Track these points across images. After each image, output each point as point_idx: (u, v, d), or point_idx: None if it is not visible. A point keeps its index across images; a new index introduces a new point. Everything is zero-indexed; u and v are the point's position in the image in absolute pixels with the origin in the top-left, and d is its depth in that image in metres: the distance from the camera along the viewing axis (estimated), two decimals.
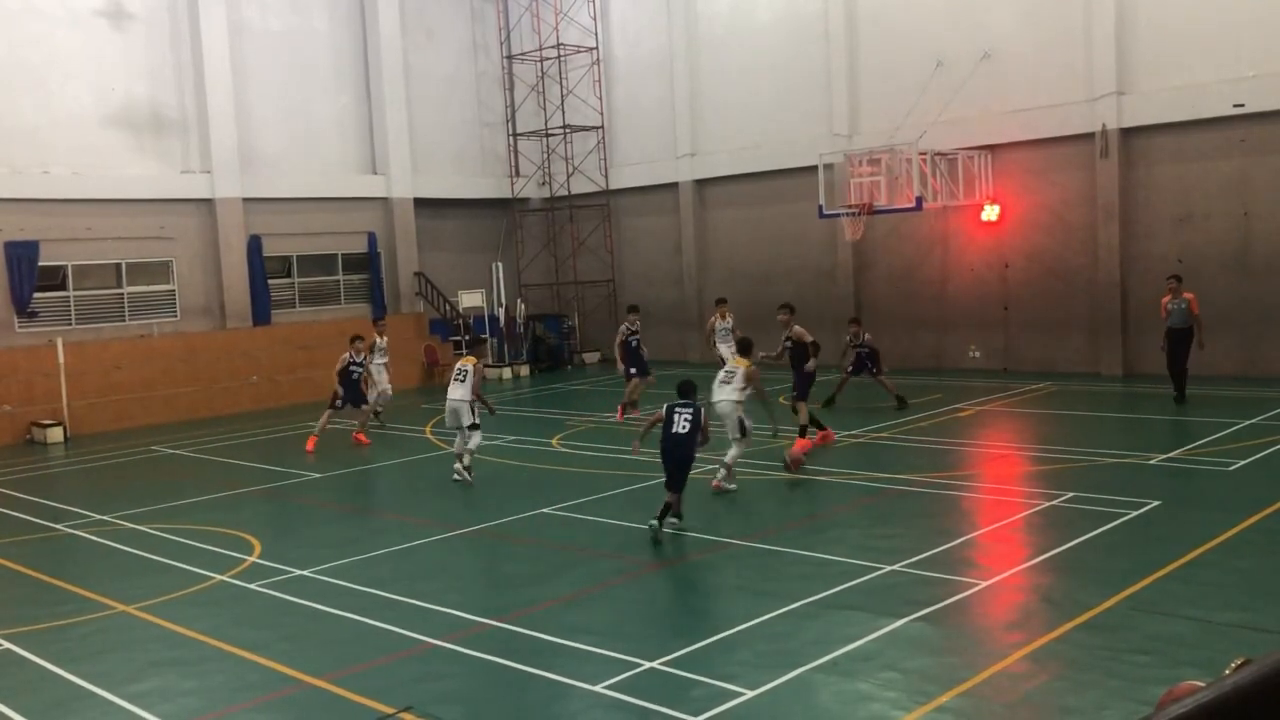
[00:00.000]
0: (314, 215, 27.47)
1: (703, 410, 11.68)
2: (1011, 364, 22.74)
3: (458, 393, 15.00)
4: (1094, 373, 21.65)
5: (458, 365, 15.47)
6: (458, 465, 14.87)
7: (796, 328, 15.98)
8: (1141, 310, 21.29)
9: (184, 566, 11.25)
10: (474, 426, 14.92)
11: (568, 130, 30.26)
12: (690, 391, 12.00)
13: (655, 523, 11.19)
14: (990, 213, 22.74)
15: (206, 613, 9.68)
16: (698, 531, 11.49)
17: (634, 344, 19.97)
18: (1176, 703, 1.64)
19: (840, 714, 6.92)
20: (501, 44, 31.17)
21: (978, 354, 23.06)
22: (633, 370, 19.89)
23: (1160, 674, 7.07)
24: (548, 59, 30.39)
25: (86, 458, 19.38)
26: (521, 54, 30.88)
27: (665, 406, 11.79)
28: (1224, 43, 19.80)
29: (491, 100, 31.33)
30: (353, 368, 18.89)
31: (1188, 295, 17.89)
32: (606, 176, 30.07)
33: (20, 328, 23.25)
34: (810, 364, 15.70)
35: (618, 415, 19.50)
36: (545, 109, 30.77)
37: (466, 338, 17.12)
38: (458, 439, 15.25)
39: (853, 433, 16.71)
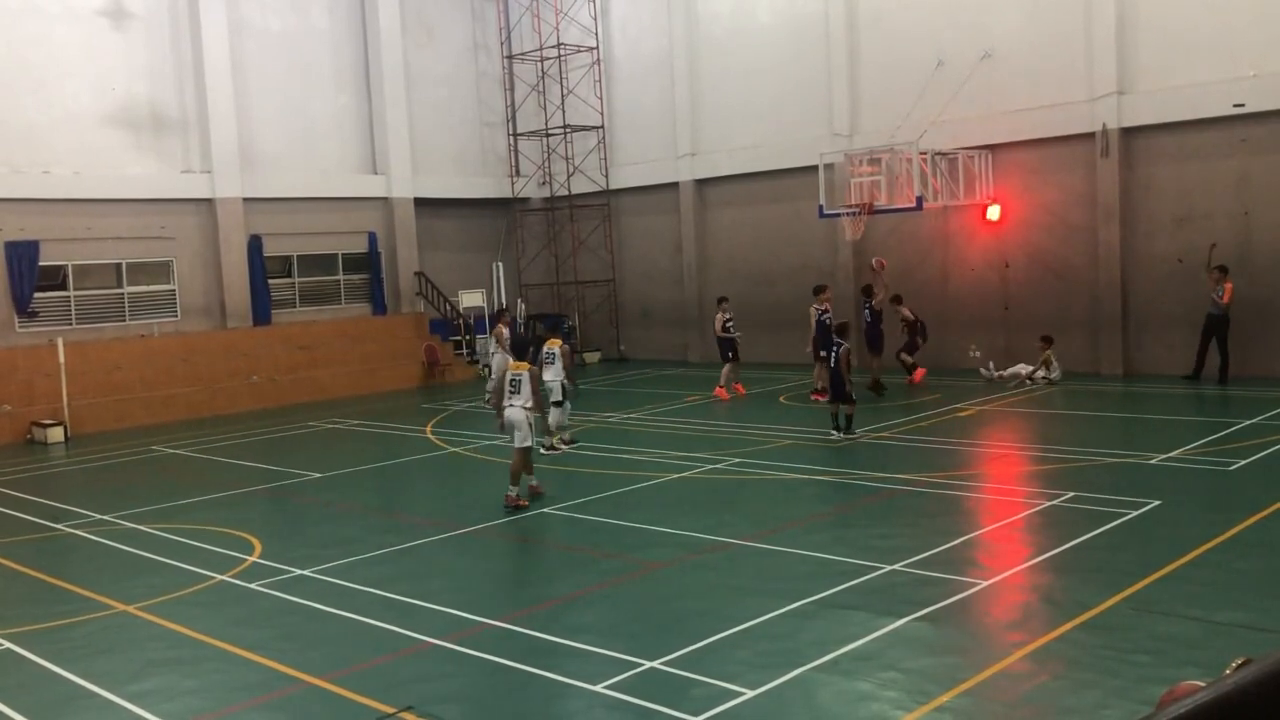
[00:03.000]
0: (314, 215, 27.48)
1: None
2: (1011, 364, 22.70)
3: (549, 374, 16.31)
4: (1094, 373, 21.65)
5: (544, 349, 16.90)
6: (551, 440, 16.52)
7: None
8: (1142, 310, 21.30)
9: (184, 566, 11.25)
10: (559, 403, 16.45)
11: (568, 130, 30.26)
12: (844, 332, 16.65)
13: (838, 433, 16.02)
14: (994, 212, 22.78)
15: (206, 613, 9.68)
16: (698, 531, 11.50)
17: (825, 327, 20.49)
18: (1176, 703, 1.63)
19: (840, 714, 6.92)
20: (502, 44, 31.18)
21: (978, 354, 23.05)
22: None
23: (1160, 674, 7.07)
24: (548, 59, 30.39)
25: (86, 458, 19.38)
26: (522, 54, 30.88)
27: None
28: (1224, 43, 19.79)
29: (492, 100, 31.34)
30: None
31: (1226, 285, 19.28)
32: (606, 176, 30.07)
33: (20, 328, 23.27)
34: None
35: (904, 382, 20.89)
36: (545, 109, 30.77)
37: (545, 323, 18.76)
38: (552, 414, 16.53)
39: (852, 433, 16.71)
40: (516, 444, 13.05)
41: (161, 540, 12.49)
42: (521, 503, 13.01)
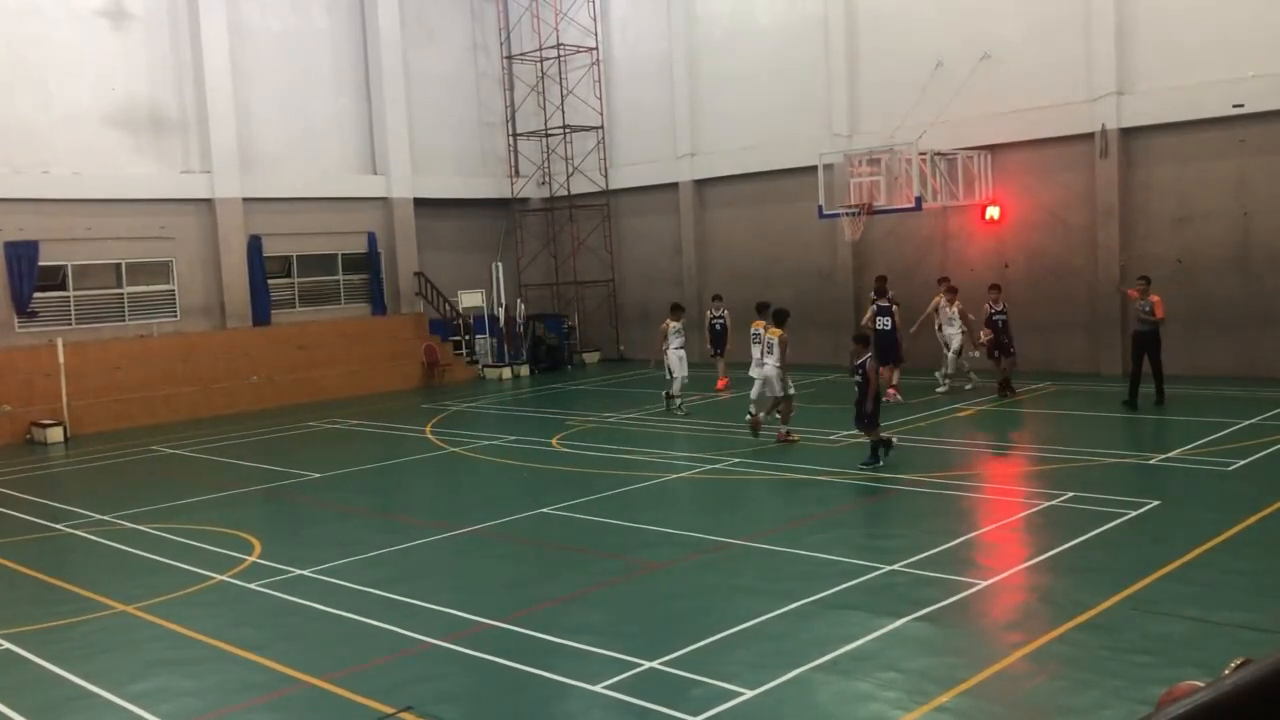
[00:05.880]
0: (314, 215, 27.48)
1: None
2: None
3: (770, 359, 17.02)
4: (1094, 373, 21.64)
5: (767, 339, 17.09)
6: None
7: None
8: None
9: (184, 566, 11.25)
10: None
11: (568, 130, 30.26)
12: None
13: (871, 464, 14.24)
14: (993, 212, 22.81)
15: (206, 613, 9.68)
16: (698, 531, 11.50)
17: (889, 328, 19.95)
18: (1176, 703, 1.64)
19: (840, 714, 6.92)
20: (501, 44, 31.18)
21: (977, 354, 23.04)
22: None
23: (1160, 674, 7.07)
24: (548, 59, 30.39)
25: (86, 458, 19.37)
26: (521, 54, 30.88)
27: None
28: (1224, 43, 19.80)
29: (491, 100, 31.34)
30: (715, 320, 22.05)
31: (1154, 298, 17.41)
32: (606, 176, 30.07)
33: (20, 328, 23.26)
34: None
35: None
36: (545, 109, 30.77)
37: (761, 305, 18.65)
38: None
39: (853, 433, 16.71)
40: (778, 393, 16.20)
41: (161, 540, 12.49)
42: (792, 438, 16.09)
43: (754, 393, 17.81)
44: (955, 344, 20.21)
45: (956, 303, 20.35)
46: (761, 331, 17.55)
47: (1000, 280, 21.34)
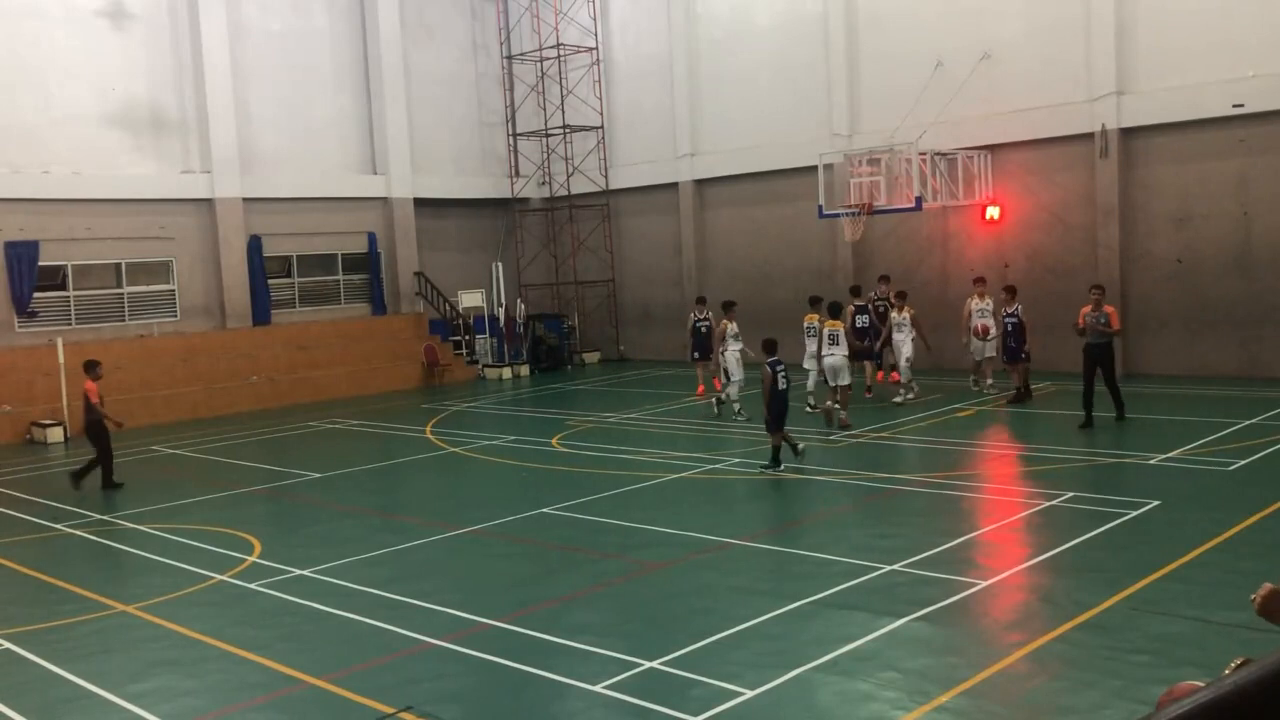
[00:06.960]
0: (314, 215, 27.48)
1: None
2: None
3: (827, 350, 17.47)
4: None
5: (827, 331, 17.50)
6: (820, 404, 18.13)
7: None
8: (1140, 310, 21.31)
9: (184, 566, 11.25)
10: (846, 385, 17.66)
11: (568, 130, 30.26)
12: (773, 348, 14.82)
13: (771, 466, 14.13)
14: (993, 212, 22.81)
15: (206, 613, 9.68)
16: (698, 531, 11.50)
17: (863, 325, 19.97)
18: (1176, 703, 1.64)
19: (840, 714, 6.93)
20: (501, 44, 31.18)
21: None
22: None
23: (1160, 674, 7.07)
24: (548, 59, 30.39)
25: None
26: (521, 54, 30.88)
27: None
28: (1224, 43, 19.80)
29: (491, 100, 31.33)
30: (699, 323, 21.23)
31: (1108, 309, 16.47)
32: (606, 176, 30.07)
33: (20, 328, 23.26)
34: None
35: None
36: (545, 109, 30.77)
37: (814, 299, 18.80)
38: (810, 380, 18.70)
39: (853, 433, 16.72)
40: (842, 382, 16.93)
41: (161, 540, 12.49)
42: (848, 424, 16.88)
43: (810, 384, 18.44)
44: (906, 351, 19.52)
45: (907, 309, 19.83)
46: (817, 325, 18.15)
47: (1000, 281, 21.33)
